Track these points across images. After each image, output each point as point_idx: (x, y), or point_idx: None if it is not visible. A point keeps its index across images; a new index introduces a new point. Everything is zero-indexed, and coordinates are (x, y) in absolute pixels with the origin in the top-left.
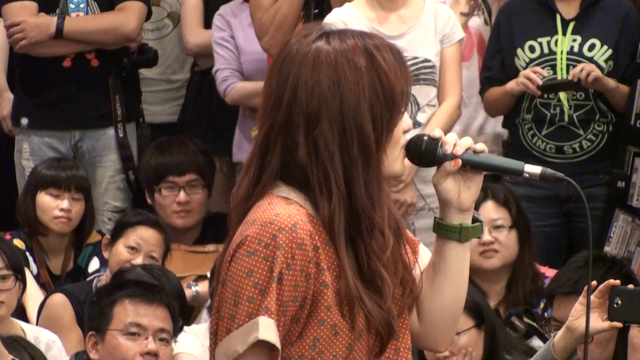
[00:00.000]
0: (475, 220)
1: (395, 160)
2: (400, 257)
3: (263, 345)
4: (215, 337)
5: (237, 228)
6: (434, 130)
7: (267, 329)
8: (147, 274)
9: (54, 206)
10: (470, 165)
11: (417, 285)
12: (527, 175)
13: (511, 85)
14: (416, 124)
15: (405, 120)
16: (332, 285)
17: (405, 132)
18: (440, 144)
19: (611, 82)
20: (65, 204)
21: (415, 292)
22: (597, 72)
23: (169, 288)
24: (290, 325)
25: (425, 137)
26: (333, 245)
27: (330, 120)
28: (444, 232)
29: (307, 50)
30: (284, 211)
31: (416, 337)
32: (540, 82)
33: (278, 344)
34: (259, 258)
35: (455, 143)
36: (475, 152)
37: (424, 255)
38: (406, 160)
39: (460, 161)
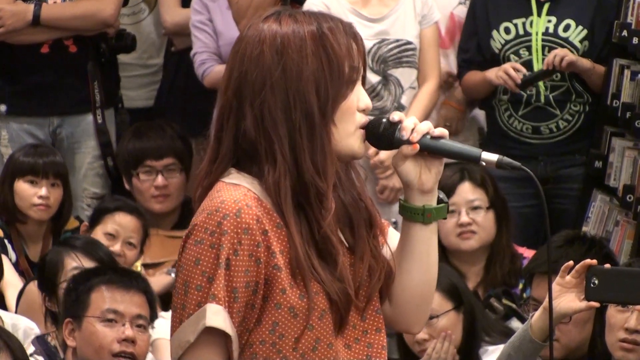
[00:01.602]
0: (440, 201)
1: (349, 137)
2: (368, 245)
3: (214, 332)
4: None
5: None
6: (393, 114)
7: (215, 316)
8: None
9: (32, 193)
10: (427, 151)
11: (390, 271)
12: (484, 163)
13: (491, 76)
14: (400, 107)
15: (363, 99)
16: (285, 267)
17: (361, 110)
18: (398, 127)
19: (586, 63)
20: (43, 191)
21: (389, 279)
22: (570, 56)
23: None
24: (245, 311)
25: (384, 120)
26: (285, 226)
27: (273, 88)
28: (408, 214)
29: (256, 28)
30: (229, 197)
31: (389, 320)
32: (519, 81)
33: (229, 330)
34: (205, 246)
35: (413, 129)
36: (433, 137)
37: (394, 238)
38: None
39: (417, 146)
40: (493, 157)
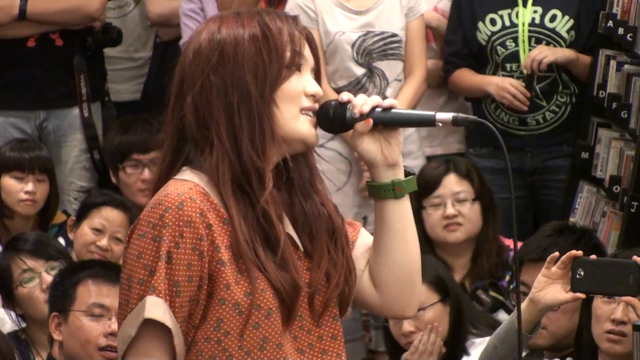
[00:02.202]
0: (407, 174)
1: (293, 120)
2: (327, 252)
3: (155, 325)
4: None
5: None
6: (342, 94)
7: (154, 308)
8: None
9: (18, 189)
10: (382, 124)
11: (350, 277)
12: (440, 124)
13: (490, 90)
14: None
15: (312, 85)
16: (230, 263)
17: (310, 96)
18: (348, 107)
19: (569, 54)
20: (30, 186)
21: (348, 285)
22: (548, 57)
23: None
24: (189, 306)
25: (333, 102)
26: (228, 214)
27: (209, 74)
28: (378, 192)
29: (201, 27)
30: (174, 191)
31: (381, 309)
32: (527, 104)
33: (168, 323)
34: (147, 239)
35: (363, 102)
36: (384, 109)
37: (367, 238)
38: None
39: (371, 121)
40: (447, 115)
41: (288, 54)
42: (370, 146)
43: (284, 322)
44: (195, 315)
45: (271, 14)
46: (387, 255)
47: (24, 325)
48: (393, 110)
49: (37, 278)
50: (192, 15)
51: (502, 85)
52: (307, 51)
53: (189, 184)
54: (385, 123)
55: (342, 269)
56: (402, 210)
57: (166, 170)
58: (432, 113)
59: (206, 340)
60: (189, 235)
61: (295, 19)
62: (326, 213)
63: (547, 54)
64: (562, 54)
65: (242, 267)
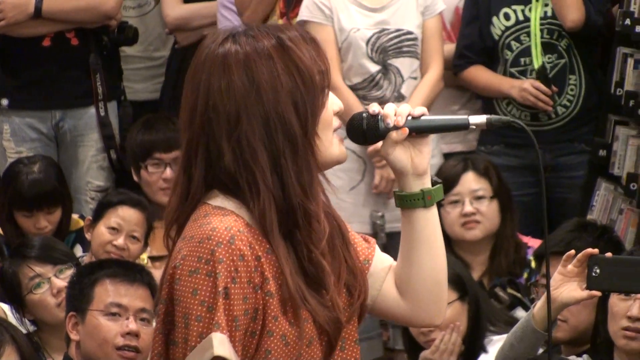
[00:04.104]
0: (434, 183)
1: (331, 145)
2: (345, 261)
3: None
4: None
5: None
6: (371, 106)
7: (221, 345)
8: None
9: (30, 224)
10: (416, 132)
11: (366, 289)
12: (474, 127)
13: (512, 93)
14: (400, 97)
15: (336, 102)
16: (276, 294)
17: (336, 113)
18: (380, 118)
19: None
20: (40, 223)
21: (364, 296)
22: None
23: (61, 256)
24: (245, 339)
25: (365, 115)
26: (274, 254)
27: (250, 117)
28: (408, 202)
29: (215, 54)
30: (220, 224)
31: (409, 319)
32: (551, 103)
33: (234, 359)
34: (201, 275)
35: (396, 113)
36: (414, 117)
37: (382, 255)
38: None
39: (407, 130)
40: (481, 118)
41: (317, 78)
42: (400, 154)
43: (323, 353)
44: (251, 347)
45: (284, 31)
46: (417, 264)
47: (32, 329)
48: (423, 117)
49: (46, 283)
50: (230, 6)
51: (523, 86)
52: None
53: (232, 216)
54: (420, 130)
55: (360, 275)
56: (431, 219)
57: (188, 210)
58: (465, 117)
59: None
60: (243, 269)
61: (306, 30)
62: (331, 214)
63: None
64: None
65: (286, 296)
